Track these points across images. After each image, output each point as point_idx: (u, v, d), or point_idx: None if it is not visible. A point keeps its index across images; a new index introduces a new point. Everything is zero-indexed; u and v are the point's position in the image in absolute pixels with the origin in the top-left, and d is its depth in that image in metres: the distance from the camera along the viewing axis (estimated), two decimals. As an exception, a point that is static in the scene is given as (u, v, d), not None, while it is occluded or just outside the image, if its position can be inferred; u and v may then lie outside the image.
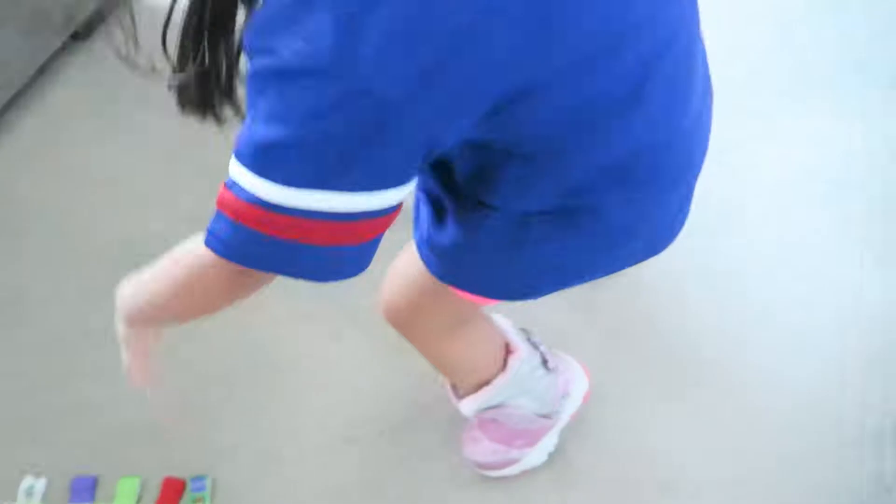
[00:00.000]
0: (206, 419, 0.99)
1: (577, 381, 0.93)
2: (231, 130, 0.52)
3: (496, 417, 0.88)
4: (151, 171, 1.20)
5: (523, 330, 0.89)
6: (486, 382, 0.85)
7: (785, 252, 1.10)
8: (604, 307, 1.05)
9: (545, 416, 0.90)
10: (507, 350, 0.85)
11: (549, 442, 0.92)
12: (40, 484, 0.94)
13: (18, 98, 1.26)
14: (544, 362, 0.87)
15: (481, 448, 0.91)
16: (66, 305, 1.09)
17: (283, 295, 1.09)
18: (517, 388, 0.86)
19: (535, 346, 0.88)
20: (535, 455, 0.92)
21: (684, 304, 1.07)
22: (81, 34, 1.35)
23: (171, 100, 0.53)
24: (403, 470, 0.94)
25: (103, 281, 1.09)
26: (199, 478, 0.94)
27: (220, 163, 1.24)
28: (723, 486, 0.91)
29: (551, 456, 0.93)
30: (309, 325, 1.06)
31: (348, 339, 1.05)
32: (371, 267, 0.53)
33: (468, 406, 0.86)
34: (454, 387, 0.89)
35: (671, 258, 0.70)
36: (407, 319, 0.78)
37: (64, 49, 1.32)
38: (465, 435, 0.92)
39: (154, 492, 0.93)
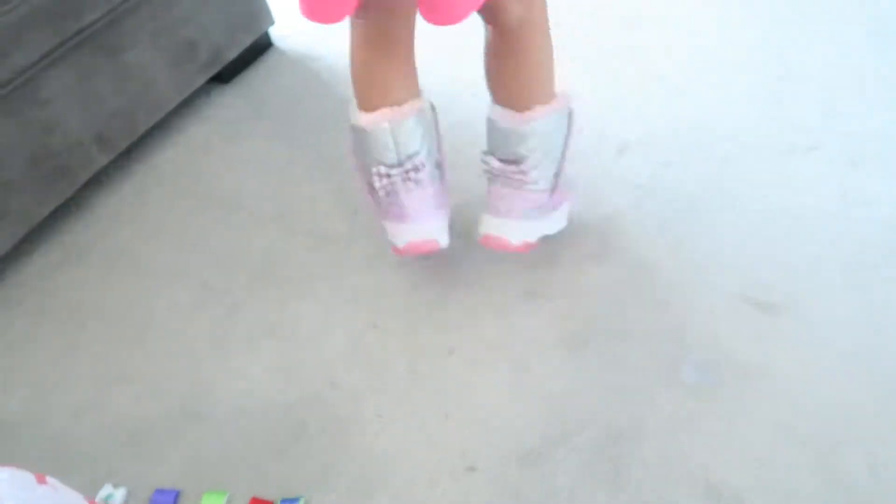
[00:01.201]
0: (301, 439, 0.89)
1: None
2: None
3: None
4: (269, 196, 1.19)
5: None
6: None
7: None
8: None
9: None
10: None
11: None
12: (120, 493, 0.85)
13: (158, 125, 1.31)
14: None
15: None
16: (190, 313, 1.05)
17: (395, 312, 1.01)
18: None
19: None
20: None
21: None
22: (224, 77, 1.41)
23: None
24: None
25: (225, 291, 1.07)
26: (292, 500, 0.81)
27: (333, 186, 1.18)
28: None
29: None
30: (423, 339, 0.96)
31: (461, 355, 0.93)
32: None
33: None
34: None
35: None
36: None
37: (203, 87, 1.37)
38: None
39: (241, 510, 0.82)
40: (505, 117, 0.90)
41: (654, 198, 1.06)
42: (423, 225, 0.93)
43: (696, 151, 1.12)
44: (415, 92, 0.92)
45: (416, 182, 0.90)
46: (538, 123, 0.89)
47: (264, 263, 1.09)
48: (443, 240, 0.95)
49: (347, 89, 1.42)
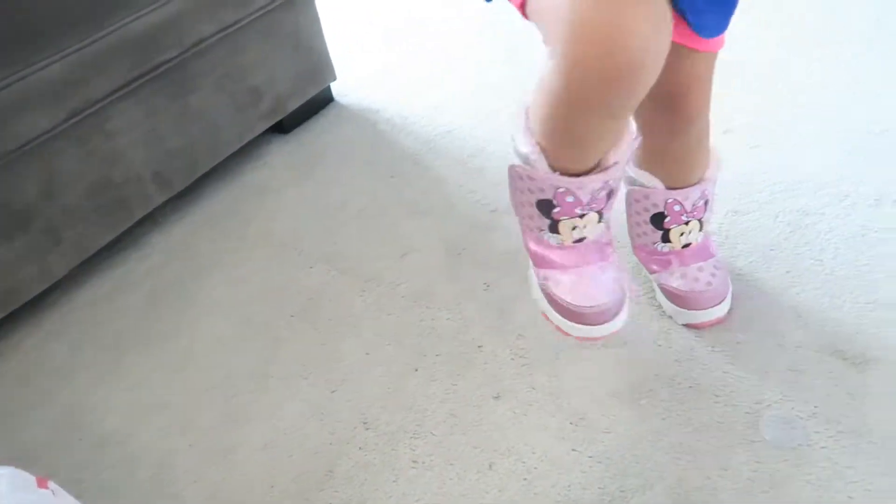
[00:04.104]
0: (328, 483, 0.81)
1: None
2: None
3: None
4: (319, 238, 1.17)
5: None
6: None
7: None
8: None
9: None
10: None
11: None
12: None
13: (217, 168, 1.32)
14: None
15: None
16: (230, 348, 1.01)
17: (439, 355, 0.96)
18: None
19: None
20: None
21: None
22: (285, 127, 1.44)
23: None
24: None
25: (268, 327, 1.04)
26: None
27: (384, 229, 1.14)
28: None
29: None
30: (467, 383, 0.88)
31: (508, 402, 0.85)
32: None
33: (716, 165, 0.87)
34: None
35: None
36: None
37: (264, 136, 1.39)
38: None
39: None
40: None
41: (724, 247, 0.98)
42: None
43: (773, 203, 1.04)
44: None
45: None
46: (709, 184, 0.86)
47: (308, 304, 1.05)
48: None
49: (403, 140, 1.44)
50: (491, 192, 1.18)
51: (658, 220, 0.87)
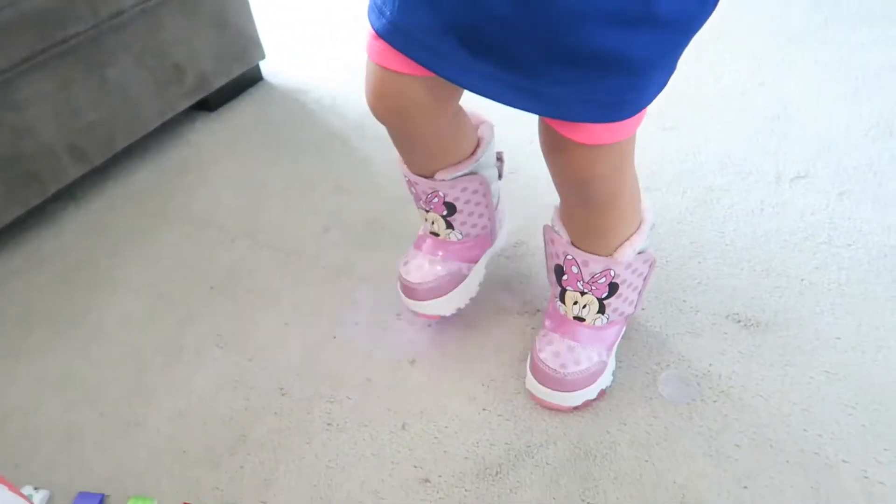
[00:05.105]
0: (241, 448, 0.81)
1: None
2: None
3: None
4: (240, 214, 1.16)
5: None
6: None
7: None
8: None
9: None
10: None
11: None
12: (41, 495, 0.77)
13: (138, 145, 1.30)
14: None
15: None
16: (140, 324, 1.00)
17: (357, 324, 0.98)
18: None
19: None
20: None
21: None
22: (210, 105, 1.42)
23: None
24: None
25: (183, 301, 1.02)
26: (223, 506, 0.73)
27: (307, 205, 1.14)
28: None
29: None
30: (383, 350, 0.90)
31: (422, 366, 0.87)
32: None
33: (631, 252, 0.74)
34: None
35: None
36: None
37: (188, 113, 1.38)
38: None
39: (167, 518, 0.73)
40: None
41: (635, 221, 1.03)
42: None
43: (680, 181, 1.09)
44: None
45: None
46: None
47: (226, 277, 1.05)
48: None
49: (331, 120, 1.44)
50: (414, 171, 1.20)
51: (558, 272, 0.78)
